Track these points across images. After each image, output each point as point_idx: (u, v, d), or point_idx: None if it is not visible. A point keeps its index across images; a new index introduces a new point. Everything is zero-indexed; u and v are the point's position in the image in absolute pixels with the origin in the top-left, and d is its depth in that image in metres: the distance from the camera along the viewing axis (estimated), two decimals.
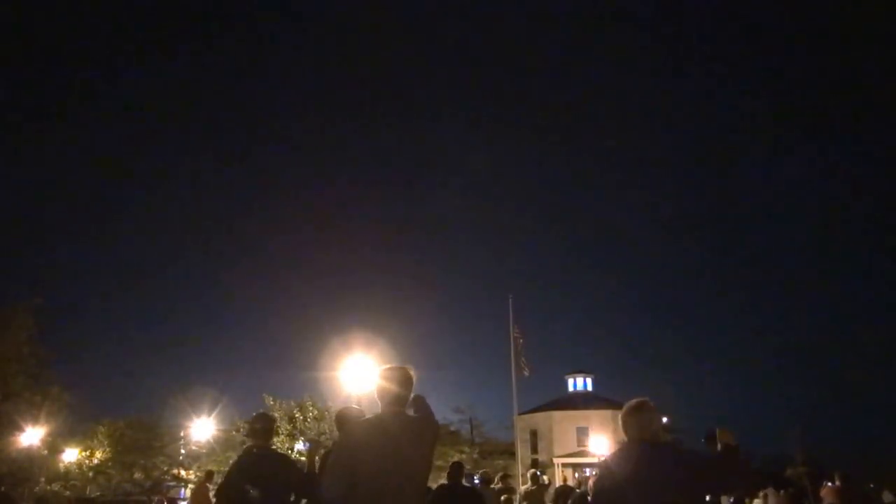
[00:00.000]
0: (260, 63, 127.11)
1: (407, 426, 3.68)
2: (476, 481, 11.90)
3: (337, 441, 4.21)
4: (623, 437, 3.99)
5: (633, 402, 3.99)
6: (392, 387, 3.74)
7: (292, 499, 5.02)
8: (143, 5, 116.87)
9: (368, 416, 3.92)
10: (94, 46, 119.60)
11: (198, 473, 38.69)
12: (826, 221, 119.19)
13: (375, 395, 3.81)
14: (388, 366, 3.87)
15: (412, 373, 3.86)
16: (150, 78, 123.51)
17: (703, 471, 3.70)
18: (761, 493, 18.38)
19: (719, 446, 3.82)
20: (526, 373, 35.22)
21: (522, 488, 16.15)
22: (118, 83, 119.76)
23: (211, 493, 13.65)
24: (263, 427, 5.26)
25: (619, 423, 3.97)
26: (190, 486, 40.40)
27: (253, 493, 4.71)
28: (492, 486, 13.47)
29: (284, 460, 5.57)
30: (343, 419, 4.94)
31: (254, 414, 5.69)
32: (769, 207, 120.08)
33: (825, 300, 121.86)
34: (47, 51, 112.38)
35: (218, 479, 15.43)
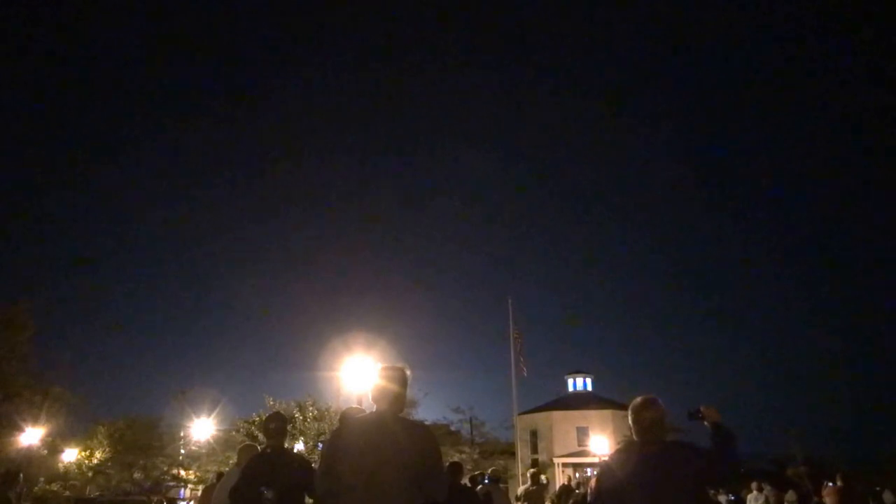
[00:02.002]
0: (267, 73, 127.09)
1: (396, 424, 3.68)
2: (486, 480, 11.89)
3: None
4: (631, 435, 3.93)
5: (640, 399, 3.91)
6: (386, 386, 3.76)
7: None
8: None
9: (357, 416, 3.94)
10: (95, 47, 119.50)
11: (197, 473, 38.68)
12: (827, 222, 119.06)
13: (371, 396, 3.82)
14: (383, 366, 3.89)
15: (407, 372, 3.87)
16: (154, 79, 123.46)
17: (706, 466, 3.66)
18: (762, 493, 18.43)
19: (705, 423, 3.80)
20: (524, 373, 35.32)
21: (522, 488, 16.16)
22: (121, 85, 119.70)
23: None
24: (277, 427, 5.23)
25: (629, 421, 3.88)
26: (190, 486, 40.42)
27: (268, 494, 4.67)
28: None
29: (299, 461, 5.50)
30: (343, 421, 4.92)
31: (267, 413, 5.66)
32: (771, 207, 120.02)
33: (826, 299, 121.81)
34: (46, 47, 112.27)
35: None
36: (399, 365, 3.88)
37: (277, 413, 5.79)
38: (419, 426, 3.85)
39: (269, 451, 5.17)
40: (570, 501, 16.16)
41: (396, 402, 3.77)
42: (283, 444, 5.32)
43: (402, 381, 3.81)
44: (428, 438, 3.77)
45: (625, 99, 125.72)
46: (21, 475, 11.77)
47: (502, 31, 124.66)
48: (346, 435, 3.73)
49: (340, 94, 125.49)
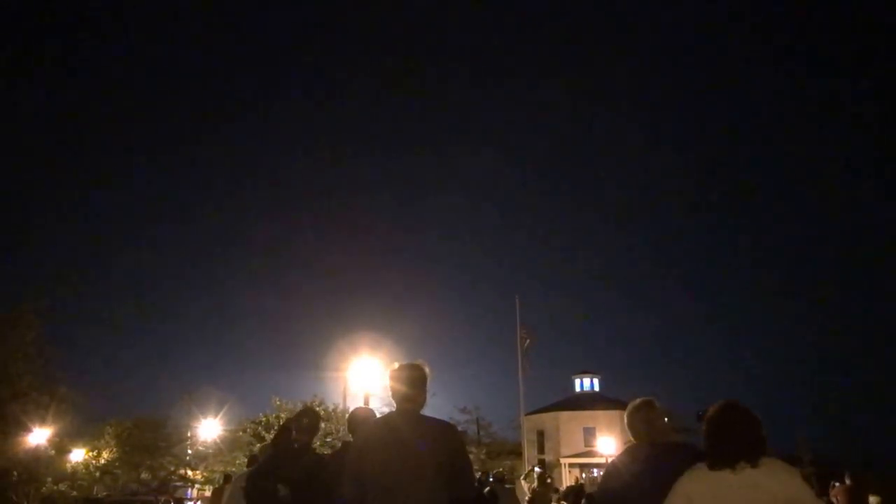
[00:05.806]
0: (270, 70, 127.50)
1: (416, 424, 3.63)
2: (489, 479, 11.98)
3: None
4: (629, 437, 3.93)
5: (638, 401, 3.93)
6: (398, 386, 3.72)
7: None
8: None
9: (378, 416, 3.89)
10: (99, 48, 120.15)
11: (204, 474, 38.81)
12: (828, 221, 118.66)
13: (392, 395, 3.78)
14: (401, 364, 3.84)
15: (426, 369, 3.81)
16: (157, 79, 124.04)
17: None
18: None
19: None
20: (528, 373, 35.25)
21: (525, 485, 16.09)
22: (122, 84, 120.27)
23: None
24: (310, 423, 5.17)
25: (625, 423, 3.92)
26: (197, 486, 40.56)
27: (283, 492, 4.64)
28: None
29: (320, 462, 5.47)
30: (353, 422, 4.88)
31: (273, 414, 5.56)
32: (775, 208, 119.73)
33: (833, 298, 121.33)
34: (55, 48, 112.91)
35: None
36: (418, 362, 3.84)
37: (311, 409, 5.69)
38: (446, 425, 3.83)
39: (295, 446, 5.12)
40: (583, 501, 16.12)
41: (418, 401, 3.73)
42: (311, 442, 5.24)
43: (423, 380, 3.77)
44: (456, 437, 3.79)
45: (635, 100, 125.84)
46: (15, 474, 11.83)
47: (509, 29, 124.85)
48: (373, 436, 3.70)
49: (343, 94, 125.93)
